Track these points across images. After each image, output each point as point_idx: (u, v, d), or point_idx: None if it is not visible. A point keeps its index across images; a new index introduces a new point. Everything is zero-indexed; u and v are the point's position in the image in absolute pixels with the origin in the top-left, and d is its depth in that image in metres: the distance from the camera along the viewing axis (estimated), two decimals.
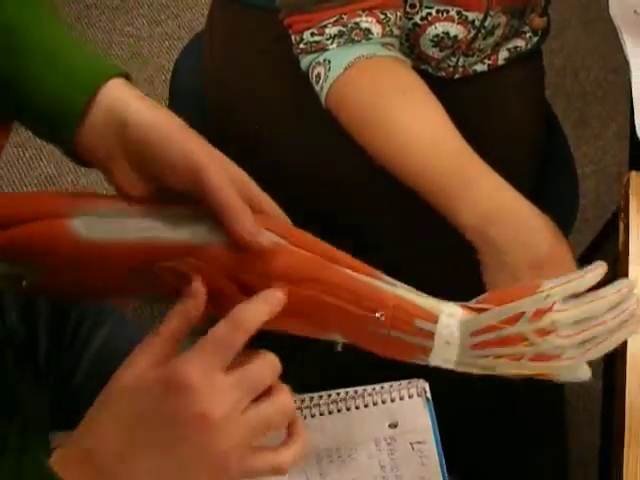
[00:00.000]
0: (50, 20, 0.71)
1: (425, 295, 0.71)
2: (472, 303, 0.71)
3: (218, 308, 0.69)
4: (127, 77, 0.70)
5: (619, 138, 2.06)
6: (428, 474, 0.79)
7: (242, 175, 0.70)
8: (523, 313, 0.69)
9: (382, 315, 0.69)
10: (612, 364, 0.87)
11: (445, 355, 0.70)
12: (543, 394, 1.19)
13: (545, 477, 1.22)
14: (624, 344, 0.83)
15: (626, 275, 0.86)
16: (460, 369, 0.71)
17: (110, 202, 0.69)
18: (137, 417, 0.62)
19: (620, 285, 0.71)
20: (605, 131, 2.10)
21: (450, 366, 0.71)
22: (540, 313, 0.69)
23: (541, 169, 1.20)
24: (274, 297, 0.67)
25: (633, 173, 0.92)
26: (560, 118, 1.37)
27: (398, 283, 0.71)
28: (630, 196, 0.90)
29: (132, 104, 0.67)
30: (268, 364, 0.65)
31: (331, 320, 0.69)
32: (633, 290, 0.72)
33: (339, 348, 0.71)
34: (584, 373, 0.73)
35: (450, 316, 0.70)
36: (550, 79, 2.12)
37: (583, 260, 1.30)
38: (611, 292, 0.71)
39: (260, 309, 0.65)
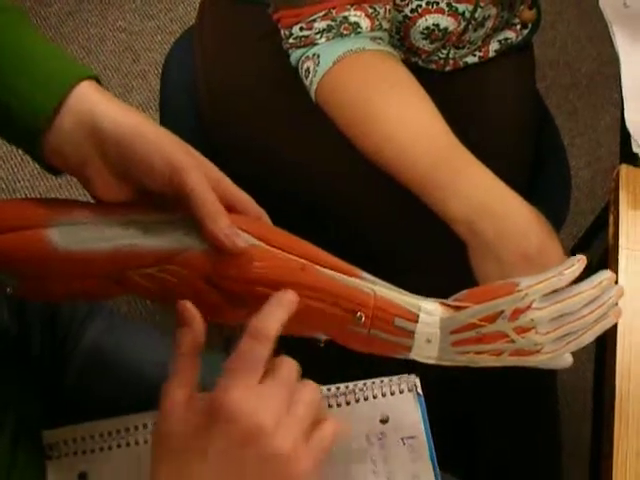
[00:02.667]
0: (21, 23, 0.70)
1: (405, 292, 0.72)
2: (451, 301, 0.72)
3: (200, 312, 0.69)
4: (98, 80, 0.69)
5: (613, 130, 2.06)
6: (419, 469, 0.79)
7: (218, 174, 0.70)
8: (502, 312, 0.70)
9: (362, 316, 0.69)
10: (603, 354, 0.87)
11: (426, 352, 0.71)
12: (535, 385, 1.20)
13: (539, 467, 1.22)
14: (614, 332, 0.83)
15: (616, 267, 0.86)
16: (442, 364, 0.72)
17: (87, 210, 0.69)
18: (199, 459, 0.63)
19: (600, 278, 0.72)
20: (599, 123, 2.10)
21: (431, 362, 0.72)
22: (518, 312, 0.70)
23: (533, 161, 1.20)
24: (286, 299, 0.67)
25: (623, 166, 0.92)
26: (553, 110, 1.37)
27: (378, 281, 0.71)
28: (620, 189, 0.90)
29: (103, 107, 0.67)
30: (290, 364, 0.66)
31: (311, 320, 0.69)
32: (613, 282, 0.72)
33: (321, 344, 0.71)
34: (565, 361, 0.74)
35: (429, 315, 0.70)
36: (543, 71, 2.13)
37: (575, 252, 1.31)
38: (590, 287, 0.71)
39: (276, 314, 0.66)
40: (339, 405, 0.80)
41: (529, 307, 0.70)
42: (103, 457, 0.79)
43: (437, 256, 1.04)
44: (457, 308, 0.71)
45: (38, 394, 0.89)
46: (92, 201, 0.71)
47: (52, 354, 0.93)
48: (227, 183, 0.70)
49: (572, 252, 1.33)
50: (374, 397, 0.80)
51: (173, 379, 0.66)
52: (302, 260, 0.69)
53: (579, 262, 0.71)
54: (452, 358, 0.72)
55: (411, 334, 0.70)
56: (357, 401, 0.80)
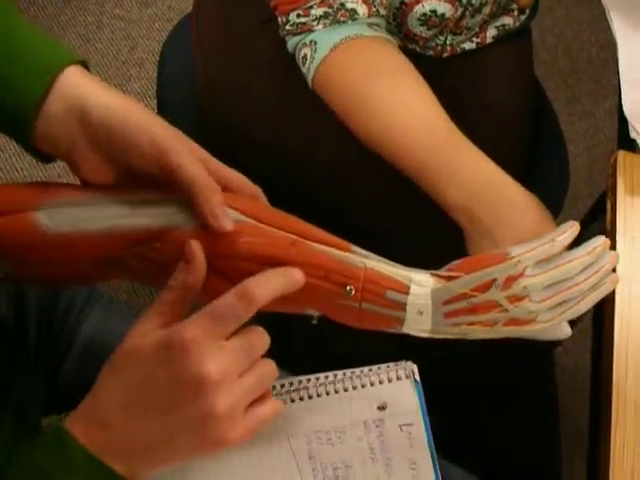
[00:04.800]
0: (6, 9, 0.70)
1: (397, 265, 0.71)
2: (442, 271, 0.71)
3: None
4: (84, 64, 0.70)
5: (611, 115, 2.05)
6: (417, 456, 0.79)
7: (205, 154, 0.70)
8: (494, 280, 0.69)
9: (352, 289, 0.69)
10: (600, 338, 0.87)
11: (418, 325, 0.71)
12: (532, 368, 1.20)
13: (538, 453, 1.22)
14: (612, 316, 0.83)
15: None
16: (435, 337, 0.72)
17: (75, 192, 0.69)
18: (140, 378, 0.64)
19: (594, 244, 0.71)
20: (597, 108, 2.09)
21: (425, 335, 0.72)
22: (511, 280, 0.69)
23: (531, 147, 1.20)
24: (291, 275, 0.67)
25: (621, 152, 0.92)
26: (552, 96, 1.37)
27: (370, 254, 0.71)
28: (617, 175, 0.90)
29: (91, 90, 0.67)
30: (262, 336, 0.66)
31: (302, 296, 0.69)
32: (607, 248, 0.71)
33: (315, 321, 0.71)
34: (562, 332, 0.73)
35: (421, 286, 0.70)
36: (542, 56, 2.12)
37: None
38: (584, 253, 0.70)
39: (273, 283, 0.66)
40: (337, 392, 0.80)
41: (522, 275, 0.69)
42: None
43: (427, 237, 1.05)
44: (449, 278, 0.70)
45: (37, 384, 0.89)
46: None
47: (50, 344, 0.93)
48: (214, 162, 0.71)
49: None
50: (371, 384, 0.80)
51: (155, 305, 0.66)
52: (293, 236, 0.69)
53: (571, 228, 0.70)
54: (445, 330, 0.71)
55: (403, 306, 0.70)
56: (354, 388, 0.80)
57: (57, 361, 0.92)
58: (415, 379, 0.80)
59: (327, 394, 0.80)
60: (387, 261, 0.71)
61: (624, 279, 0.84)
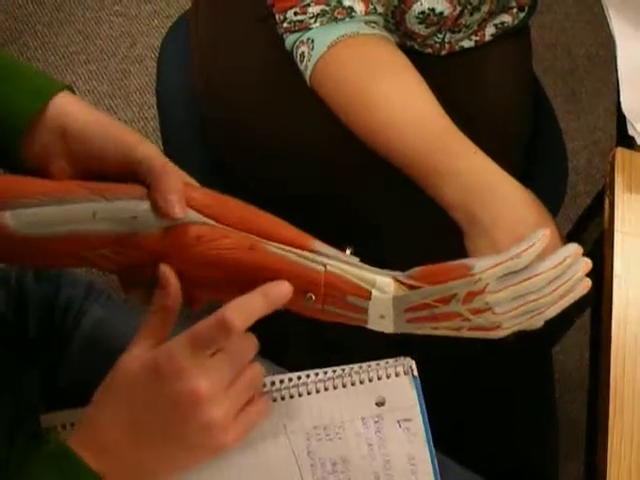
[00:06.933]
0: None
1: (361, 265, 0.71)
2: (405, 277, 0.71)
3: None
4: (70, 89, 0.76)
5: (610, 113, 2.05)
6: (415, 451, 0.79)
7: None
8: (455, 295, 0.69)
9: (312, 296, 0.70)
10: (599, 338, 0.87)
11: (381, 327, 0.72)
12: (530, 366, 1.20)
13: (535, 447, 1.23)
14: (610, 315, 0.83)
15: (611, 250, 0.86)
16: (400, 332, 0.73)
17: (43, 189, 0.70)
18: (138, 401, 0.68)
19: (563, 255, 0.70)
20: (596, 106, 2.09)
21: (389, 331, 0.73)
22: (472, 295, 0.69)
23: (530, 145, 1.20)
24: (274, 293, 0.69)
25: (619, 149, 0.92)
26: (551, 93, 1.37)
27: (333, 253, 0.71)
28: (616, 172, 0.90)
29: (73, 111, 0.73)
30: (247, 343, 0.70)
31: None
32: (579, 257, 0.70)
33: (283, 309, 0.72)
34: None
35: (382, 292, 0.70)
36: (541, 54, 2.12)
37: (572, 235, 1.31)
38: (551, 266, 0.69)
39: (254, 308, 0.68)
40: (335, 388, 0.80)
41: (483, 291, 0.68)
42: None
43: (430, 240, 1.05)
44: (411, 287, 0.70)
45: (36, 380, 0.89)
46: None
47: (49, 340, 0.93)
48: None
49: (569, 235, 1.33)
50: (370, 380, 0.80)
51: (141, 330, 0.70)
52: (253, 236, 0.69)
53: (540, 240, 0.69)
54: (409, 331, 0.72)
55: (364, 310, 0.71)
56: (353, 384, 0.80)
57: (56, 357, 0.92)
58: (413, 375, 0.80)
59: (326, 390, 0.80)
60: (352, 261, 0.71)
61: (622, 277, 0.85)
